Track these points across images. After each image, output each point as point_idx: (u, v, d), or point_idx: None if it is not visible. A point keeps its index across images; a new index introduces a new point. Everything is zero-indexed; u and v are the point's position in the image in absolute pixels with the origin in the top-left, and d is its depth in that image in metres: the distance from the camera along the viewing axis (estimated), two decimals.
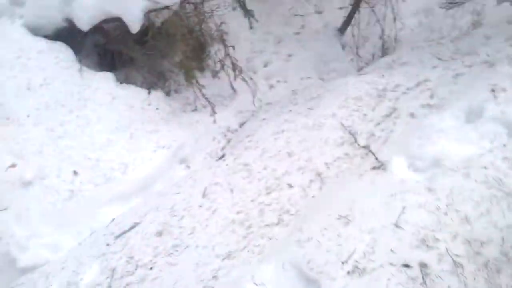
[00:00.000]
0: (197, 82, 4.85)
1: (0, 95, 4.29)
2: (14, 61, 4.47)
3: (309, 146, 3.75)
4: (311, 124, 4.09)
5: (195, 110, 4.94)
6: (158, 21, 4.99)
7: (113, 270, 3.11)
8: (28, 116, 4.27)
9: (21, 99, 4.33)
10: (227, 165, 3.94)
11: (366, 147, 3.44)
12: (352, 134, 3.68)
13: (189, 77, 4.75)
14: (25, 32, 4.67)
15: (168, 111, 4.82)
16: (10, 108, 4.26)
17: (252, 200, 3.32)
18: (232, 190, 3.52)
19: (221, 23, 5.51)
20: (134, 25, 4.66)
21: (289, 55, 5.74)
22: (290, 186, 3.34)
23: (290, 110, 4.61)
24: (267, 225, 3.02)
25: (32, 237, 3.80)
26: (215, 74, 5.31)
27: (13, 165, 4.02)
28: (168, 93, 5.13)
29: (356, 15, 5.69)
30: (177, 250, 3.11)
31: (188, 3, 5.05)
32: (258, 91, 5.25)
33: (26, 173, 4.00)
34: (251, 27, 5.09)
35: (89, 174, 4.12)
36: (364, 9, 5.61)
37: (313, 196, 3.15)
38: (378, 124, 3.73)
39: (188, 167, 4.47)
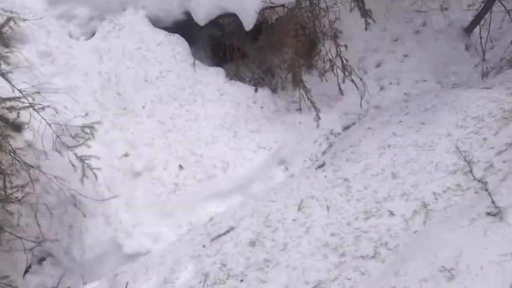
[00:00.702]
0: (302, 83, 4.74)
1: (120, 86, 4.57)
2: (134, 52, 4.72)
3: (417, 169, 3.51)
4: (422, 142, 3.81)
5: (299, 110, 4.86)
6: (272, 18, 4.95)
7: (206, 275, 3.23)
8: (143, 107, 4.52)
9: (138, 90, 4.59)
10: (325, 176, 3.84)
11: (482, 181, 3.12)
12: (468, 162, 3.35)
13: (296, 77, 4.65)
14: (146, 23, 4.90)
15: (273, 110, 4.81)
16: (128, 98, 4.54)
17: (348, 224, 3.21)
18: (328, 208, 3.43)
19: (336, 19, 5.32)
20: (248, 22, 4.66)
21: (405, 55, 5.37)
22: (391, 214, 3.16)
23: (400, 122, 4.34)
24: (362, 257, 2.91)
25: (137, 225, 4.08)
26: (323, 73, 5.15)
27: (126, 154, 4.30)
28: (274, 91, 5.09)
29: (486, 16, 5.12)
30: (268, 266, 3.13)
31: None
32: (367, 92, 5.01)
33: (137, 163, 4.26)
34: (366, 28, 4.82)
35: (193, 170, 4.29)
36: (497, 10, 5.02)
37: (415, 232, 2.95)
38: (500, 153, 3.36)
39: (287, 169, 4.45)
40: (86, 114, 4.31)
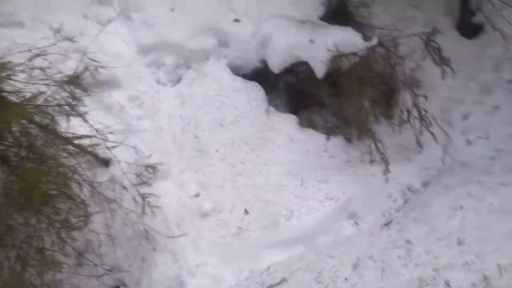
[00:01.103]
0: (372, 133, 4.66)
1: (198, 129, 4.87)
2: (213, 98, 5.01)
3: (486, 237, 3.27)
4: (497, 206, 3.55)
5: (373, 161, 4.75)
6: (345, 65, 4.95)
7: None
8: (217, 150, 4.76)
9: (214, 134, 4.85)
10: (389, 236, 3.72)
11: None
12: None
13: (365, 127, 4.59)
14: (227, 71, 5.18)
15: (344, 160, 4.77)
16: (204, 142, 4.81)
17: None
18: (383, 270, 3.32)
19: (416, 67, 5.17)
20: (319, 70, 4.75)
21: (496, 107, 5.03)
22: (447, 285, 2.97)
23: (479, 181, 4.06)
24: None
25: (201, 265, 4.27)
26: (401, 124, 5.00)
27: (197, 195, 4.55)
28: (349, 140, 5.03)
29: None
30: None
31: (381, 45, 4.86)
32: (452, 147, 4.77)
33: (205, 204, 4.49)
34: (442, 77, 4.63)
35: (257, 215, 4.40)
36: None
37: None
38: None
39: (357, 223, 4.35)
40: (161, 155, 4.64)
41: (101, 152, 4.56)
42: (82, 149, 4.36)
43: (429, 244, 3.39)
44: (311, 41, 4.72)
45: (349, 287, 3.30)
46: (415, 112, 4.75)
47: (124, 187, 4.57)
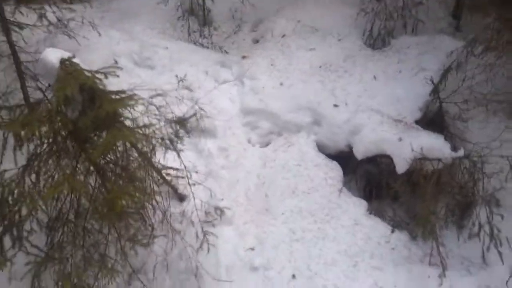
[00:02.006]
0: (435, 235, 4.61)
1: (270, 190, 5.19)
2: (292, 167, 5.35)
3: None
4: None
5: (432, 264, 4.66)
6: (428, 168, 5.05)
7: None
8: (282, 214, 5.01)
9: (284, 198, 5.13)
10: None
11: None
12: None
13: (429, 228, 4.57)
14: (313, 147, 5.54)
15: (404, 255, 4.73)
16: (272, 202, 5.10)
17: None
18: None
19: (499, 188, 5.10)
20: (401, 166, 4.89)
21: None
22: None
23: None
24: None
25: None
26: (470, 236, 4.90)
27: (252, 248, 4.76)
28: (414, 238, 5.01)
29: None
30: None
31: (467, 158, 4.94)
32: None
33: (257, 259, 4.66)
34: None
35: (303, 283, 4.47)
36: None
37: None
38: None
39: None
40: (232, 202, 4.98)
41: (182, 187, 5.06)
42: (166, 180, 4.89)
43: None
44: (400, 139, 4.94)
45: None
46: (487, 228, 4.66)
47: (191, 222, 4.94)
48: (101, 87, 3.54)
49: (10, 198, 3.57)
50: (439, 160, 4.78)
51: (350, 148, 5.41)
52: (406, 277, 4.55)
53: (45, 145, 3.77)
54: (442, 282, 4.39)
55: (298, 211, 5.02)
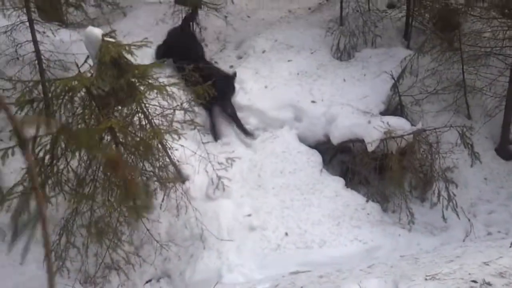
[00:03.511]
0: (406, 205, 5.53)
1: (261, 171, 5.98)
2: (279, 154, 6.18)
3: None
4: None
5: (402, 226, 5.52)
6: (394, 148, 6.00)
7: None
8: (273, 188, 5.78)
9: (273, 177, 5.92)
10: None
11: None
12: None
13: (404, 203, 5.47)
14: (295, 139, 6.42)
15: (378, 219, 5.57)
16: (264, 180, 5.88)
17: None
18: None
19: (453, 167, 6.11)
20: (371, 146, 5.82)
21: None
22: None
23: None
24: None
25: (239, 266, 5.01)
26: (432, 206, 5.83)
27: (249, 215, 5.48)
28: (385, 210, 5.88)
29: None
30: None
31: (424, 131, 5.93)
32: (473, 234, 5.47)
33: (254, 222, 5.37)
34: (471, 165, 5.56)
35: (295, 238, 5.20)
36: None
37: None
38: None
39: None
40: (228, 182, 5.71)
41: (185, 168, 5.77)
42: (171, 160, 5.60)
43: None
44: (369, 122, 5.91)
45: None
46: (445, 194, 5.61)
47: (193, 198, 5.62)
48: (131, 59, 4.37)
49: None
50: (402, 137, 5.75)
51: (327, 137, 6.33)
52: (381, 234, 5.37)
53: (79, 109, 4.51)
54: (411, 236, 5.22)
55: (286, 186, 5.81)
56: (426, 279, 2.94)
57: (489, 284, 2.79)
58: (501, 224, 5.62)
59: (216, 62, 7.29)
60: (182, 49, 6.78)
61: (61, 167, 4.53)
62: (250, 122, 6.61)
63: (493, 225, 5.62)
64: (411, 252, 5.17)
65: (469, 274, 2.91)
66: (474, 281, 2.81)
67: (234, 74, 6.42)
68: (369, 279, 3.25)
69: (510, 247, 3.77)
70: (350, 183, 6.07)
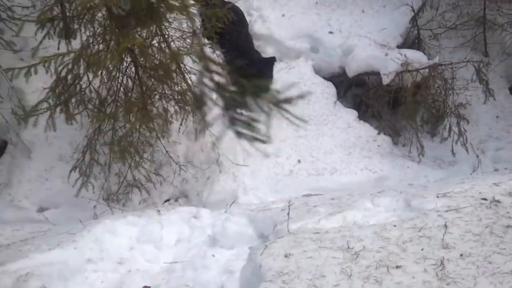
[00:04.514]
0: (418, 138, 5.65)
1: None
2: (295, 84, 6.22)
3: None
4: None
5: (412, 159, 5.69)
6: (409, 83, 6.03)
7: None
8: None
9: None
10: None
11: None
12: None
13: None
14: (310, 69, 6.45)
15: (388, 151, 5.73)
16: None
17: None
18: None
19: (466, 103, 6.17)
20: (386, 78, 5.86)
21: None
22: None
23: None
24: None
25: (253, 189, 5.25)
26: (442, 141, 5.97)
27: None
28: (395, 143, 6.03)
29: None
30: None
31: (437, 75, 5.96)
32: (480, 170, 5.62)
33: (268, 149, 5.53)
34: (484, 102, 5.64)
35: (307, 166, 5.40)
36: None
37: None
38: None
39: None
40: None
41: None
42: (188, 85, 5.67)
43: None
44: (386, 54, 5.91)
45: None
46: (456, 129, 5.72)
47: (210, 124, 5.75)
48: None
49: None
50: (418, 71, 5.78)
51: (343, 69, 6.35)
52: (390, 165, 5.55)
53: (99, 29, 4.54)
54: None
55: (300, 116, 5.91)
56: (437, 197, 3.11)
57: (498, 201, 2.97)
58: (509, 161, 5.76)
59: None
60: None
61: (84, 86, 4.62)
62: (267, 51, 6.59)
63: (501, 162, 5.76)
64: (419, 182, 5.38)
65: (480, 192, 3.09)
66: (484, 199, 2.99)
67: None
68: (381, 198, 3.43)
69: None
70: (363, 116, 6.18)
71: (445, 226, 2.78)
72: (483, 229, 2.72)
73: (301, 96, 1.58)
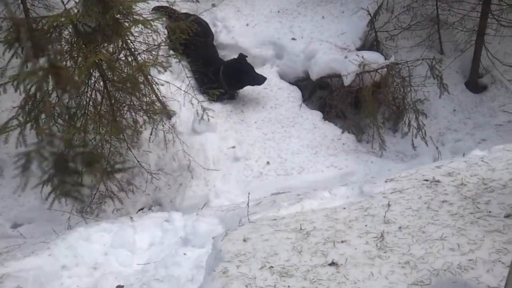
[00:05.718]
0: (380, 134, 5.93)
1: (244, 107, 6.30)
2: (261, 90, 6.48)
3: None
4: None
5: (372, 153, 5.97)
6: (368, 83, 6.32)
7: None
8: (255, 122, 6.14)
9: (256, 112, 6.26)
10: None
11: None
12: None
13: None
14: (276, 75, 6.71)
15: (352, 149, 6.00)
16: (247, 115, 6.22)
17: None
18: None
19: (424, 99, 6.49)
20: (347, 79, 6.14)
21: (483, 139, 6.19)
22: None
23: None
24: None
25: (225, 192, 5.44)
26: (403, 136, 6.26)
27: (233, 147, 5.84)
28: (360, 140, 6.30)
29: None
30: None
31: (395, 73, 6.27)
32: (440, 158, 5.91)
33: (238, 153, 5.75)
34: (439, 96, 5.96)
35: (276, 166, 5.62)
36: None
37: None
38: None
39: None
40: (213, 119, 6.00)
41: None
42: (157, 96, 5.85)
43: None
44: (346, 57, 6.20)
45: None
46: (415, 124, 6.02)
47: (180, 133, 5.94)
48: None
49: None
50: (376, 71, 6.08)
51: (307, 73, 6.62)
52: (355, 161, 5.81)
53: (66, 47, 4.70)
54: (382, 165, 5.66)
55: (268, 120, 6.16)
56: (386, 182, 3.35)
57: (438, 181, 3.22)
58: (467, 151, 6.02)
59: (197, 1, 7.40)
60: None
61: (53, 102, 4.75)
62: None
63: (459, 152, 6.05)
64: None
65: (423, 175, 3.34)
66: (426, 180, 3.23)
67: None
68: (338, 188, 3.66)
69: (463, 155, 4.24)
70: (328, 117, 6.44)
71: (388, 205, 3.02)
72: (422, 205, 2.97)
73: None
